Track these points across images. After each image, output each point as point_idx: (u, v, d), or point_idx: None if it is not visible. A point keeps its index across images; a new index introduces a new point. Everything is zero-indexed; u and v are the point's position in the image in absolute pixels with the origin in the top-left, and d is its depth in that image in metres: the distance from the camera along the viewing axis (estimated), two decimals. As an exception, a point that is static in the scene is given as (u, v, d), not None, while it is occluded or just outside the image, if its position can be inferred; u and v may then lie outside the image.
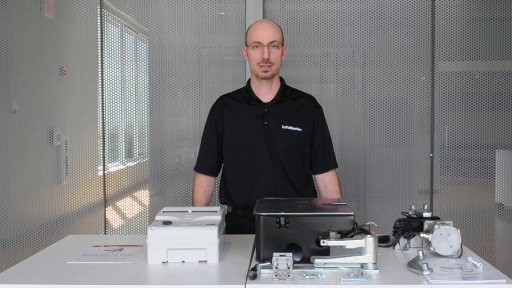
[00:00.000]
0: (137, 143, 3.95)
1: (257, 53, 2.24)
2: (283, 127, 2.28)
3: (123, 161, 4.00)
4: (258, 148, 2.27)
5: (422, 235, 1.77)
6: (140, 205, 3.68)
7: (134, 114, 3.77)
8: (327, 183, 2.35)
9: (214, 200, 3.30)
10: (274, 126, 2.27)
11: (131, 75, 3.75)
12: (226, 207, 2.42)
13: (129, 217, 3.63)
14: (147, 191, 3.60)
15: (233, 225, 2.26)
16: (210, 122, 2.38)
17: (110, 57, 3.49)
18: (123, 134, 3.77)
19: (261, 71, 2.25)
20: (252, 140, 2.27)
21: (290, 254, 1.50)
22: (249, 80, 2.39)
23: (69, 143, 3.75)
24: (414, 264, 1.59)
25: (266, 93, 2.32)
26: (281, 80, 2.38)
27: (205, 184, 2.40)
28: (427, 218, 1.82)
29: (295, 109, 2.33)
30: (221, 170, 2.43)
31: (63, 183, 3.73)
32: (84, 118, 3.67)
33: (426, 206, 1.89)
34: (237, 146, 2.30)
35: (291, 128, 2.28)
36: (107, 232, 3.47)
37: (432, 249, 1.72)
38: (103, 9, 3.41)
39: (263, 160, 2.26)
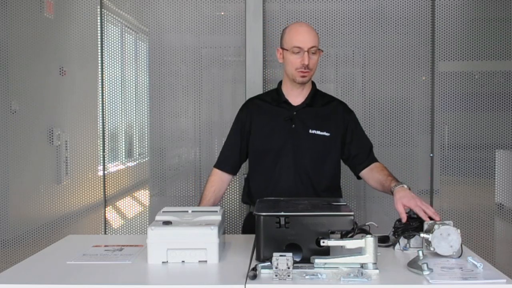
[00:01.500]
0: (137, 143, 3.95)
1: (296, 58, 2.21)
2: (310, 131, 2.27)
3: (123, 161, 4.00)
4: (283, 150, 2.26)
5: (422, 235, 1.77)
6: (140, 205, 3.68)
7: (134, 114, 3.77)
8: (372, 172, 2.25)
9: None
10: (301, 129, 2.27)
11: (131, 75, 3.74)
12: (249, 207, 2.42)
13: (129, 217, 3.63)
14: (147, 191, 3.60)
15: (252, 225, 2.25)
16: (237, 122, 2.39)
17: (110, 57, 3.49)
18: (123, 134, 3.77)
19: (299, 77, 2.23)
20: (278, 143, 2.27)
21: (290, 254, 1.50)
22: (280, 82, 2.38)
23: (69, 143, 3.75)
24: (414, 264, 1.59)
25: (296, 95, 2.31)
26: (313, 83, 2.37)
27: (218, 183, 2.37)
28: (427, 218, 1.82)
29: (324, 114, 2.32)
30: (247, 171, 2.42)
31: (63, 183, 3.73)
32: (84, 118, 3.66)
33: (426, 206, 1.89)
34: (263, 147, 2.30)
35: (318, 132, 2.27)
36: (107, 232, 3.47)
37: (432, 249, 1.73)
38: (103, 9, 3.41)
39: (288, 163, 2.26)
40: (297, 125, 2.27)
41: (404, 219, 1.84)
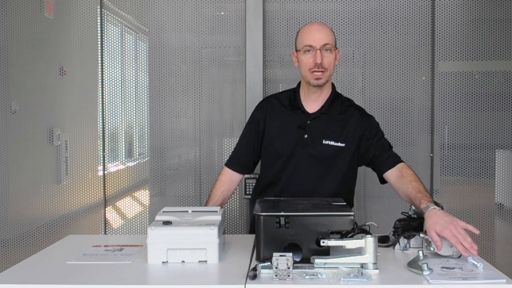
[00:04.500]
0: (137, 143, 3.95)
1: (308, 58, 2.10)
2: (323, 142, 2.16)
3: (123, 161, 4.00)
4: (294, 159, 2.19)
5: (422, 235, 1.77)
6: (140, 205, 3.69)
7: (134, 114, 3.77)
8: (401, 183, 2.06)
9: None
10: (314, 140, 2.17)
11: (131, 75, 3.75)
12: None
13: (129, 217, 3.63)
14: (147, 191, 3.60)
15: None
16: (252, 120, 2.32)
17: (110, 57, 3.49)
18: (123, 134, 3.77)
19: (313, 78, 2.11)
20: (289, 151, 2.19)
21: (290, 254, 1.50)
22: (299, 83, 2.28)
23: (69, 143, 3.75)
24: (414, 264, 1.59)
25: (314, 100, 2.21)
26: (332, 86, 2.25)
27: (227, 183, 2.32)
28: (427, 218, 1.82)
29: (341, 123, 2.20)
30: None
31: (63, 183, 3.73)
32: (84, 118, 3.66)
33: (426, 206, 1.89)
34: (273, 152, 2.24)
35: (332, 143, 2.16)
36: (107, 232, 3.47)
37: (432, 249, 1.73)
38: (103, 9, 3.41)
39: (297, 172, 2.19)
40: (309, 136, 2.18)
41: (439, 248, 1.67)
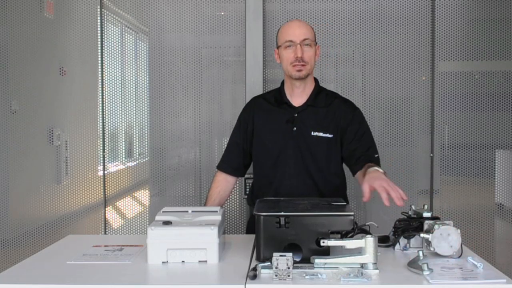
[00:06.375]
0: (137, 143, 3.95)
1: (289, 53, 2.15)
2: (312, 133, 2.20)
3: (123, 161, 4.00)
4: (285, 154, 2.21)
5: (422, 235, 1.77)
6: (140, 205, 3.69)
7: (134, 114, 3.77)
8: (361, 172, 2.02)
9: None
10: (303, 132, 2.20)
11: (131, 75, 3.75)
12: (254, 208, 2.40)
13: (129, 217, 3.63)
14: (147, 191, 3.60)
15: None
16: (240, 122, 2.34)
17: (110, 57, 3.49)
18: (123, 134, 3.77)
19: (295, 71, 2.15)
20: (279, 146, 2.21)
21: (290, 254, 1.50)
22: (283, 81, 2.32)
23: (69, 143, 3.75)
24: (414, 264, 1.59)
25: (298, 95, 2.24)
26: (315, 81, 2.29)
27: (223, 183, 2.34)
28: (427, 218, 1.82)
29: (327, 114, 2.23)
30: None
31: (63, 183, 3.73)
32: (84, 118, 3.66)
33: (426, 206, 1.89)
34: (264, 150, 2.25)
35: (321, 134, 2.20)
36: (107, 232, 3.47)
37: (432, 249, 1.72)
38: (103, 9, 3.41)
39: (289, 166, 2.20)
40: (298, 128, 2.20)
41: (365, 198, 1.73)
